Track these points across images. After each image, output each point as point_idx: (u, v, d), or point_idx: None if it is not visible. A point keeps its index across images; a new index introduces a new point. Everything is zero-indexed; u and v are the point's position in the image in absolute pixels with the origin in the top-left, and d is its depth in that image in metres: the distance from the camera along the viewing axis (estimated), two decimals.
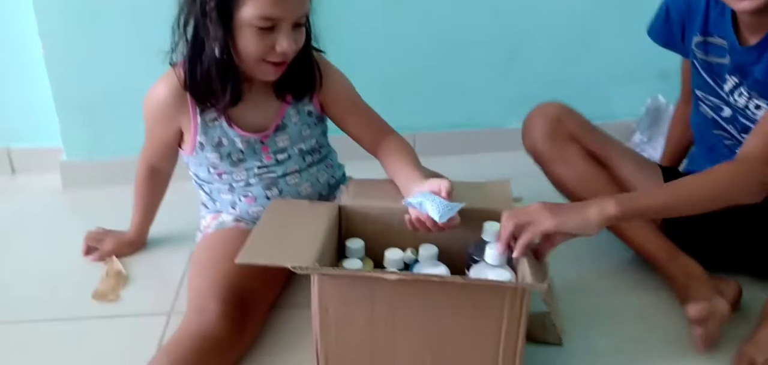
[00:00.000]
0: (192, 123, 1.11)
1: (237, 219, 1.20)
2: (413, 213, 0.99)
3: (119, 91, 1.60)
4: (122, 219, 1.38)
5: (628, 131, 1.94)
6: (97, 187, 1.69)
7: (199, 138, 1.12)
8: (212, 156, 1.13)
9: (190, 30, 1.03)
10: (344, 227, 1.12)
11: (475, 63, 1.86)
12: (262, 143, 1.15)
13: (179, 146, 1.18)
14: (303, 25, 1.05)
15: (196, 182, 1.23)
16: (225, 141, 1.13)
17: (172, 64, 1.09)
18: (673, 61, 1.91)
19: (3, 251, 1.44)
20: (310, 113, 1.18)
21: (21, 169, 1.80)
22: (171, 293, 1.25)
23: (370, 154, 1.23)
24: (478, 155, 1.92)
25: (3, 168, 1.79)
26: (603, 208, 0.96)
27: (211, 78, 1.04)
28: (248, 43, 1.00)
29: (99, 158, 1.70)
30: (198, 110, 1.10)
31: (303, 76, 1.12)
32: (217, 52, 1.01)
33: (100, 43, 1.58)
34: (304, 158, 1.20)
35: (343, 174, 1.32)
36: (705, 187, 1.02)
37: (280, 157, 1.17)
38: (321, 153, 1.24)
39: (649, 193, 1.10)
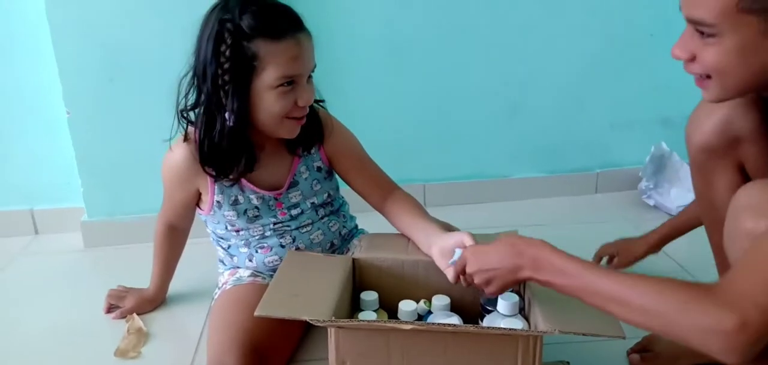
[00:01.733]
0: (209, 184, 1.16)
1: (254, 274, 1.24)
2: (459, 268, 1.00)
3: (139, 152, 1.65)
4: (142, 277, 1.42)
5: (631, 179, 1.97)
6: (118, 246, 1.73)
7: (217, 197, 1.17)
8: (229, 214, 1.18)
9: (200, 106, 1.08)
10: (358, 279, 1.15)
11: (478, 115, 1.91)
12: (276, 199, 1.19)
13: (197, 205, 1.23)
14: (311, 76, 1.11)
15: (213, 239, 1.28)
16: (241, 199, 1.17)
17: (187, 127, 1.13)
18: (674, 108, 1.98)
19: (27, 310, 1.47)
20: (319, 169, 1.23)
21: (44, 229, 1.84)
22: (191, 349, 1.28)
23: (375, 210, 1.26)
24: (486, 205, 1.96)
25: (27, 229, 1.84)
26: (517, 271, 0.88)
27: (225, 150, 1.09)
28: (271, 105, 1.05)
29: (119, 217, 1.74)
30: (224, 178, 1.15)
31: (310, 127, 1.17)
32: (231, 122, 1.05)
33: (122, 107, 1.64)
34: (316, 212, 1.24)
35: (356, 226, 1.36)
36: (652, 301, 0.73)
37: (294, 212, 1.21)
38: (333, 205, 1.28)
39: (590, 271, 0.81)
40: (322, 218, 1.25)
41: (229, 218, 1.19)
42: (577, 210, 1.94)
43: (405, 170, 1.93)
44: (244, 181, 1.16)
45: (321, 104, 1.21)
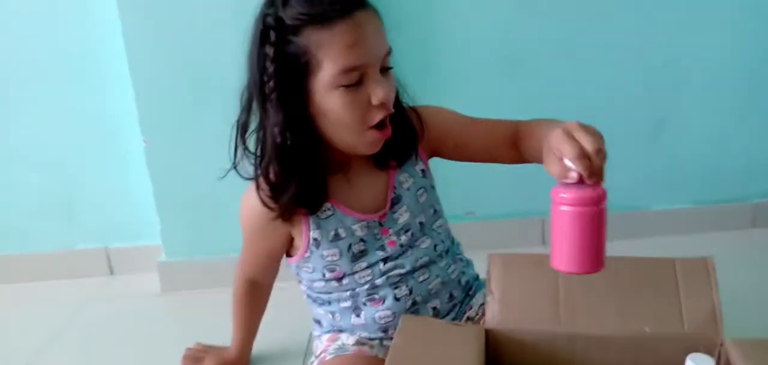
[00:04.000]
0: (303, 220, 0.95)
1: (359, 342, 1.01)
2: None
3: (222, 186, 1.48)
4: (225, 327, 1.25)
5: None
6: (198, 290, 1.60)
7: (313, 234, 0.95)
8: (329, 253, 0.96)
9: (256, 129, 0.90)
10: (492, 356, 0.90)
11: (615, 132, 1.59)
12: (380, 224, 0.97)
13: (288, 253, 1.02)
14: (390, 67, 0.88)
15: (309, 297, 1.06)
16: (342, 232, 0.96)
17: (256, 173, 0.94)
18: None
19: (99, 357, 1.37)
20: (423, 172, 1.02)
21: (119, 269, 1.74)
22: None
23: (512, 161, 1.01)
24: (619, 242, 1.62)
25: (101, 269, 1.73)
26: None
27: (291, 176, 0.89)
28: (338, 112, 0.84)
29: (200, 257, 1.60)
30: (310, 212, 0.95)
31: (400, 132, 0.94)
32: (288, 139, 0.85)
33: (204, 136, 1.50)
34: (435, 248, 1.02)
35: (477, 276, 1.12)
36: None
37: (404, 239, 0.98)
38: (448, 243, 1.06)
39: None
40: (439, 256, 1.02)
41: (330, 260, 0.97)
42: (731, 248, 1.64)
43: (522, 200, 1.70)
44: (343, 209, 0.95)
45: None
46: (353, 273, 0.98)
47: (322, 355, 1.01)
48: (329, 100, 0.83)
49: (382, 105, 0.84)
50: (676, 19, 1.56)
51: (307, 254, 0.97)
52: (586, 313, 0.88)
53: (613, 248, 1.60)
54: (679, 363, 0.78)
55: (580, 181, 0.71)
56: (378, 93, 0.83)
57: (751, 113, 1.65)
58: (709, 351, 0.80)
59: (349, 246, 0.96)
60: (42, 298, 1.64)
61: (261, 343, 1.27)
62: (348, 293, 1.00)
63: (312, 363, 1.05)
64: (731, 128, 1.66)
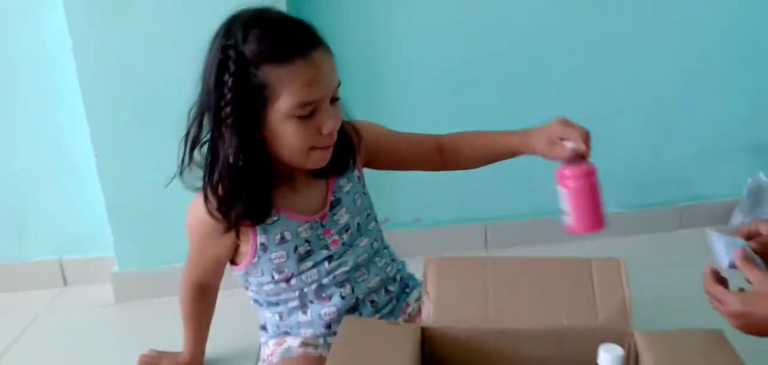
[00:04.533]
0: (250, 227, 1.00)
1: (304, 343, 1.06)
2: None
3: (173, 198, 1.50)
4: (178, 334, 1.28)
5: (723, 213, 1.78)
6: (151, 299, 1.61)
7: (260, 239, 1.01)
8: (277, 256, 1.02)
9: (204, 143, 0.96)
10: (428, 352, 0.97)
11: None
12: (322, 225, 1.04)
13: (232, 262, 1.07)
14: (338, 98, 0.96)
15: (257, 301, 1.11)
16: (288, 235, 1.02)
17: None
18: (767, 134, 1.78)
19: None
20: (358, 179, 1.10)
21: (73, 281, 1.74)
22: None
23: (439, 168, 1.16)
24: (554, 246, 1.75)
25: (55, 280, 1.73)
26: None
27: (240, 190, 0.94)
28: (291, 138, 0.91)
29: (153, 268, 1.62)
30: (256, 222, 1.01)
31: (341, 148, 1.02)
32: (240, 160, 0.91)
33: (154, 149, 1.51)
34: (372, 246, 1.10)
35: (412, 275, 1.21)
36: None
37: (345, 237, 1.06)
38: (381, 242, 1.14)
39: None
40: (376, 253, 1.11)
41: (278, 262, 1.02)
42: (659, 249, 1.76)
43: (463, 208, 1.78)
44: (288, 213, 1.01)
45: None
46: (300, 273, 1.04)
47: (270, 358, 1.07)
48: (283, 128, 0.90)
49: (329, 134, 0.92)
50: (605, 42, 1.66)
51: (255, 260, 1.02)
52: (511, 310, 0.95)
53: (550, 250, 1.70)
54: (594, 351, 0.86)
55: (575, 162, 0.99)
56: (328, 124, 0.91)
57: (677, 127, 1.76)
58: (619, 341, 0.88)
59: (296, 248, 1.02)
60: None
61: (213, 350, 1.30)
62: (296, 293, 1.05)
63: None
64: (656, 139, 1.77)
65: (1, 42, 1.54)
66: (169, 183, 1.00)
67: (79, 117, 1.50)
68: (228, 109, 0.88)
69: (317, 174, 1.02)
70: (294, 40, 0.88)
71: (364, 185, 1.11)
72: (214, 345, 1.30)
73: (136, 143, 1.52)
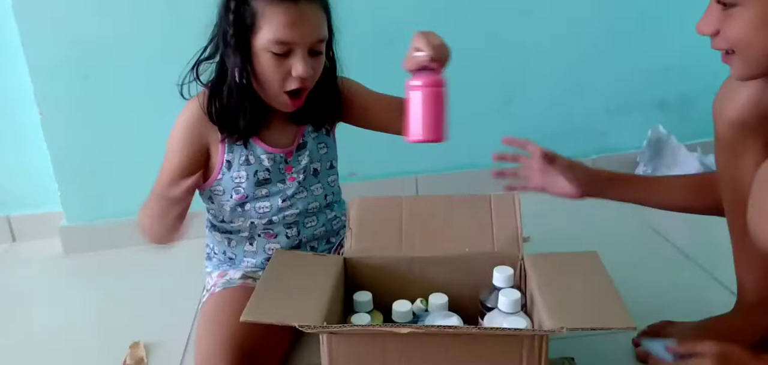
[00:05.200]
0: (220, 145, 1.11)
1: (244, 276, 1.18)
2: None
3: (117, 153, 1.60)
4: (125, 283, 1.36)
5: (629, 164, 1.94)
6: (99, 251, 1.68)
7: (227, 156, 1.12)
8: (238, 176, 1.13)
9: (216, 60, 1.07)
10: (350, 278, 1.10)
11: (472, 104, 1.86)
12: (286, 161, 1.15)
13: (203, 176, 1.14)
14: (320, 53, 1.06)
15: (211, 227, 1.21)
16: (251, 159, 1.13)
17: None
18: (671, 90, 1.95)
19: (6, 321, 1.41)
20: (327, 132, 1.21)
21: (21, 236, 1.79)
22: (178, 355, 1.23)
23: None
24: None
25: (3, 236, 1.78)
26: None
27: (232, 104, 1.07)
28: (265, 69, 1.02)
29: (99, 221, 1.68)
30: (231, 136, 1.12)
31: (325, 105, 1.14)
32: (236, 78, 1.03)
33: (98, 106, 1.59)
34: (325, 197, 1.21)
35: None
36: None
37: (301, 177, 1.16)
38: (336, 197, 1.24)
39: None
40: (328, 204, 1.22)
41: (237, 182, 1.13)
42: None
43: (397, 161, 1.90)
44: (255, 140, 1.12)
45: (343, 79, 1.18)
46: (255, 199, 1.14)
47: (213, 289, 1.18)
48: (260, 59, 1.02)
49: (299, 78, 1.03)
50: (521, 8, 1.78)
51: (220, 176, 1.13)
52: (421, 239, 1.08)
53: None
54: (491, 274, 1.01)
55: (426, 71, 0.99)
56: (298, 68, 1.01)
57: (584, 84, 1.89)
58: (511, 264, 1.03)
59: (256, 172, 1.13)
60: None
61: (160, 287, 1.38)
62: (248, 223, 1.16)
63: (203, 297, 1.20)
64: (569, 97, 1.90)
65: None
66: (180, 91, 1.09)
67: (23, 76, 1.54)
68: (230, 31, 1.01)
69: (295, 120, 1.13)
70: None
71: (333, 138, 1.22)
72: (161, 285, 1.38)
73: (80, 99, 1.57)
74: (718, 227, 1.08)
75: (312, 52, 1.04)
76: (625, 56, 1.89)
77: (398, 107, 1.16)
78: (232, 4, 1.01)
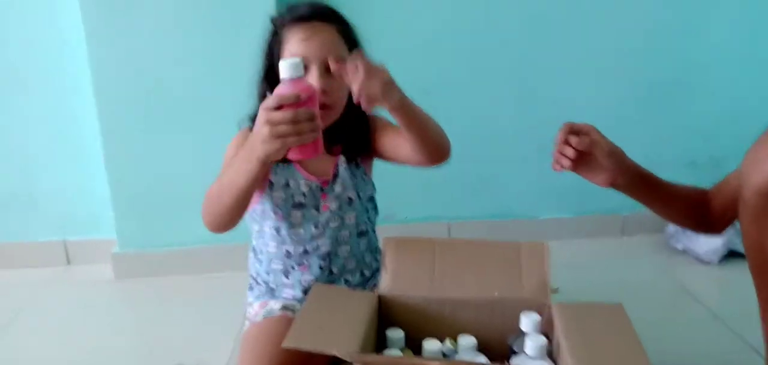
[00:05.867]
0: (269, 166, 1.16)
1: (284, 307, 1.24)
2: None
3: (170, 184, 1.69)
4: (172, 309, 1.43)
5: (659, 222, 1.94)
6: (148, 277, 1.75)
7: (271, 177, 1.19)
8: (277, 197, 1.20)
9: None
10: (384, 314, 1.15)
11: (505, 155, 1.92)
12: (322, 189, 1.21)
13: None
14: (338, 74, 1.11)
15: (253, 251, 1.28)
16: (291, 183, 1.20)
17: None
18: (701, 151, 1.97)
19: (57, 341, 1.49)
20: (357, 164, 1.26)
21: (75, 259, 1.88)
22: None
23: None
24: None
25: (59, 259, 1.88)
26: None
27: None
28: None
29: (150, 249, 1.77)
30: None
31: (356, 135, 1.21)
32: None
33: (155, 138, 1.69)
34: (357, 226, 1.25)
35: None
36: None
37: (334, 206, 1.22)
38: (367, 227, 1.29)
39: None
40: (359, 234, 1.26)
41: (277, 201, 1.20)
42: (603, 253, 1.93)
43: (430, 207, 1.96)
44: (295, 165, 1.19)
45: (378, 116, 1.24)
46: (291, 225, 1.20)
47: (254, 318, 1.24)
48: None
49: None
50: (557, 64, 1.85)
51: (263, 197, 1.20)
52: (452, 282, 1.13)
53: None
54: (518, 318, 1.05)
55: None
56: (311, 82, 1.09)
57: (616, 140, 1.92)
58: (538, 311, 1.07)
59: (293, 196, 1.20)
60: (1, 285, 1.77)
61: (202, 318, 1.45)
62: (284, 251, 1.22)
63: (245, 325, 1.27)
64: None
65: (18, 26, 1.69)
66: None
67: (89, 103, 1.65)
68: (266, 62, 1.14)
69: (328, 150, 1.18)
70: (305, 10, 1.12)
71: (365, 171, 1.28)
72: (202, 316, 1.45)
73: (142, 130, 1.68)
74: (749, 288, 1.08)
75: (329, 71, 1.10)
76: (656, 116, 1.93)
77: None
78: (269, 37, 1.14)
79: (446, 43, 1.82)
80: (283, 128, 0.93)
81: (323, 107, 1.10)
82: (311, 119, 0.95)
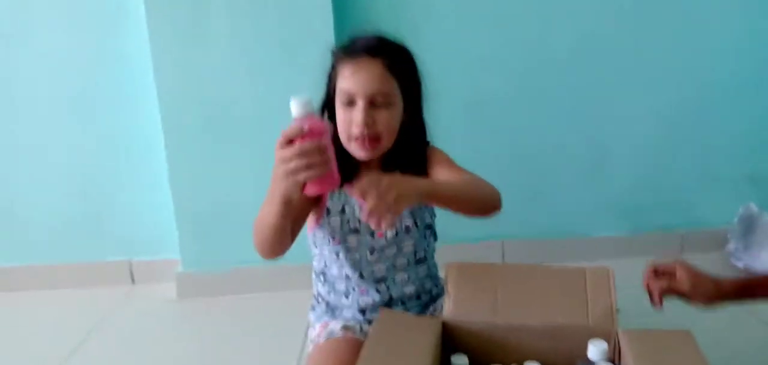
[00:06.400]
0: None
1: (345, 327, 1.26)
2: None
3: (232, 205, 1.73)
4: (234, 327, 1.46)
5: (719, 238, 1.91)
6: (211, 297, 1.80)
7: (328, 204, 1.22)
8: (335, 221, 1.22)
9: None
10: (448, 340, 1.16)
11: (561, 171, 1.92)
12: None
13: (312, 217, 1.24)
14: (386, 106, 1.14)
15: (315, 273, 1.31)
16: (347, 209, 1.22)
17: None
18: (763, 163, 1.92)
19: (122, 358, 1.55)
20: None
21: (140, 279, 1.94)
22: None
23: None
24: (565, 264, 1.92)
25: (124, 278, 1.94)
26: None
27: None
28: (338, 117, 1.15)
29: (213, 269, 1.81)
30: None
31: (411, 167, 1.19)
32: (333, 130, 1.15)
33: (219, 161, 1.74)
34: (415, 254, 1.26)
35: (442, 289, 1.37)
36: None
37: (389, 234, 1.23)
38: (426, 254, 1.30)
39: None
40: (418, 262, 1.27)
41: (334, 225, 1.22)
42: None
43: (484, 226, 1.94)
44: (350, 191, 1.21)
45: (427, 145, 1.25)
46: (347, 249, 1.22)
47: (317, 340, 1.27)
48: (337, 110, 1.15)
49: (361, 126, 1.13)
50: (610, 78, 1.84)
51: (321, 222, 1.23)
52: (517, 308, 1.13)
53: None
54: (584, 346, 1.03)
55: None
56: (356, 118, 1.12)
57: (674, 155, 1.91)
58: (606, 338, 1.06)
59: (348, 221, 1.22)
60: (71, 304, 1.84)
61: (263, 338, 1.47)
62: (343, 273, 1.25)
63: (309, 346, 1.30)
64: (658, 168, 1.91)
65: (87, 50, 1.76)
66: None
67: (155, 126, 1.71)
68: (326, 90, 1.18)
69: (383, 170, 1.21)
70: (355, 46, 1.15)
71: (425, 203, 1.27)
72: (263, 336, 1.47)
73: (205, 153, 1.73)
74: None
75: (375, 105, 1.13)
76: (716, 127, 1.90)
77: (456, 175, 1.22)
78: (330, 69, 1.16)
79: (499, 59, 1.83)
80: (293, 164, 0.94)
81: (370, 139, 1.14)
82: (320, 151, 0.95)
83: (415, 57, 1.20)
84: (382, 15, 1.76)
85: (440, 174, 1.25)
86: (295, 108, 0.96)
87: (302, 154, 0.94)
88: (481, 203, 1.17)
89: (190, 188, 1.77)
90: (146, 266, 1.93)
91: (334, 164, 0.98)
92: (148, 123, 1.78)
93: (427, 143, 1.26)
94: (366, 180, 0.92)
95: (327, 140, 0.97)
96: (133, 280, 1.95)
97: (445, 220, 2.01)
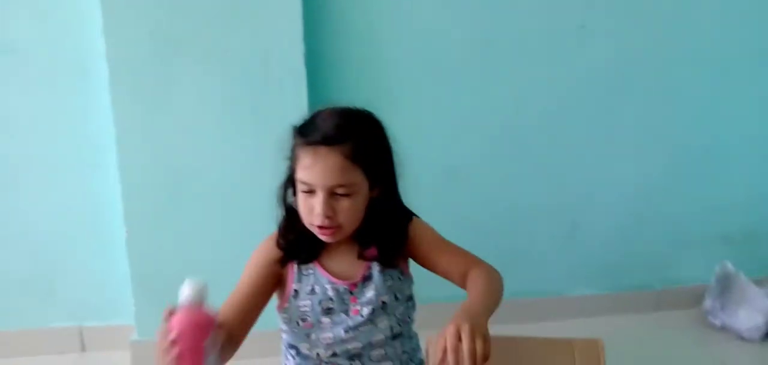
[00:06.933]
0: (290, 271, 1.15)
1: None
2: None
3: (194, 272, 1.62)
4: None
5: (696, 297, 1.91)
6: None
7: (295, 285, 1.15)
8: (304, 305, 1.15)
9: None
10: None
11: (537, 231, 1.89)
12: (350, 292, 1.16)
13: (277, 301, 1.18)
14: (346, 196, 1.08)
15: (286, 347, 1.23)
16: (317, 289, 1.15)
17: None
18: (735, 225, 1.94)
19: None
20: (393, 267, 1.19)
21: (91, 346, 1.83)
22: None
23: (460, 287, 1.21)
24: (543, 324, 1.88)
25: (73, 346, 1.82)
26: None
27: (292, 232, 1.12)
28: (299, 203, 1.09)
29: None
30: (297, 261, 1.15)
31: (389, 245, 1.15)
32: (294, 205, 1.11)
33: (180, 228, 1.67)
34: (391, 329, 1.18)
35: (421, 361, 1.30)
36: None
37: (366, 311, 1.15)
38: (403, 329, 1.22)
39: None
40: (394, 337, 1.19)
41: (303, 310, 1.14)
42: (638, 329, 1.88)
43: (458, 287, 1.90)
44: (321, 270, 1.15)
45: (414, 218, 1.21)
46: (320, 329, 1.14)
47: None
48: (298, 193, 1.09)
49: (320, 216, 1.07)
50: (586, 141, 1.85)
51: (287, 305, 1.15)
52: None
53: (537, 329, 1.83)
54: None
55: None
56: (316, 208, 1.06)
57: (649, 215, 1.91)
58: None
59: (320, 301, 1.14)
60: None
61: None
62: (315, 353, 1.16)
63: None
64: (633, 228, 1.91)
65: (42, 103, 1.69)
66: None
67: (112, 189, 1.64)
68: (287, 166, 1.12)
69: (361, 256, 1.15)
70: (315, 132, 1.07)
71: (401, 272, 1.21)
72: None
73: (166, 217, 1.66)
74: None
75: (336, 195, 1.07)
76: (689, 190, 1.91)
77: (457, 262, 1.18)
78: (291, 145, 1.10)
79: (477, 121, 1.81)
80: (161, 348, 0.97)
81: (330, 228, 1.09)
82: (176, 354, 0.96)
83: (384, 130, 1.14)
84: (356, 81, 1.74)
85: (442, 260, 1.20)
86: (183, 293, 0.97)
87: (161, 351, 0.97)
88: (501, 293, 1.15)
89: (148, 253, 1.68)
90: (99, 332, 1.82)
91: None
92: (104, 185, 1.70)
93: (410, 214, 1.20)
94: (449, 345, 0.90)
95: (199, 339, 0.96)
96: (83, 347, 1.83)
97: (419, 279, 1.95)
